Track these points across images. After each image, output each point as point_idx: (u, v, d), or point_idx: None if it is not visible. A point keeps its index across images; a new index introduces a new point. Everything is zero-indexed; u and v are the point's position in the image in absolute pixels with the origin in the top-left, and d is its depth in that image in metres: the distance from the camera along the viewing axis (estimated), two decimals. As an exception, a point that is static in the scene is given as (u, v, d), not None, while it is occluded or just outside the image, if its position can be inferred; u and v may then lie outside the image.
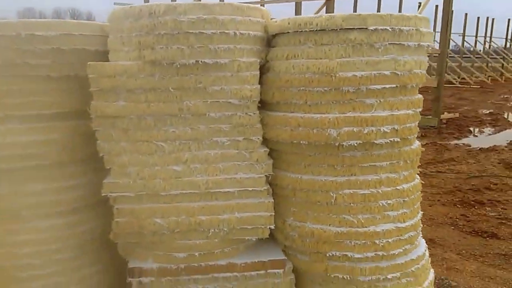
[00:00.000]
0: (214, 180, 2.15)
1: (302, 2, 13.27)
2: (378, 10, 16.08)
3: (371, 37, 2.03)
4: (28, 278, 2.25)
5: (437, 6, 18.65)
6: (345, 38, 2.03)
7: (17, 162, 2.16)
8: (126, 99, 2.07)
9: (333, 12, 10.08)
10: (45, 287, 2.28)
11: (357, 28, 2.02)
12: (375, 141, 2.07)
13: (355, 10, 14.41)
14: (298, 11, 13.43)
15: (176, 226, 2.16)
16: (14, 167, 2.17)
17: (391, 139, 2.10)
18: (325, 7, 11.10)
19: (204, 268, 2.21)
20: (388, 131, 2.08)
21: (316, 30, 2.05)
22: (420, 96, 2.25)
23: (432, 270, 2.47)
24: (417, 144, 2.29)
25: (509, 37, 31.09)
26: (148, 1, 14.11)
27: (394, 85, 2.08)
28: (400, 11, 18.52)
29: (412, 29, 2.07)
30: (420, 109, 2.23)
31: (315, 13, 10.56)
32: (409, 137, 2.18)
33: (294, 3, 13.34)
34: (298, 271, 2.32)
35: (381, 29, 2.02)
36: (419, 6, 16.34)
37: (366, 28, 2.01)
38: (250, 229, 2.20)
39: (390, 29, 2.03)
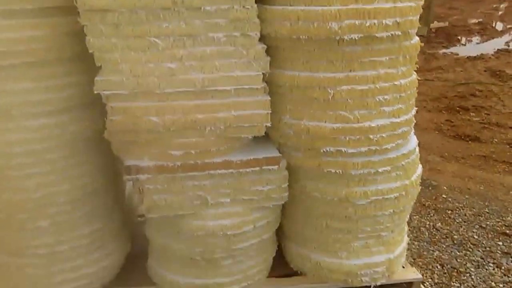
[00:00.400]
0: (210, 78, 2.09)
1: None
2: None
3: None
4: (22, 177, 2.24)
5: None
6: None
7: (2, 59, 2.06)
8: (116, -9, 1.93)
9: None
10: (39, 185, 2.28)
11: None
12: (377, 35, 2.00)
13: None
14: None
15: (172, 124, 2.13)
16: (-1, 65, 2.07)
17: (393, 33, 2.03)
18: None
19: (201, 166, 2.23)
20: (390, 23, 2.01)
21: None
22: (422, -12, 2.15)
23: (420, 165, 2.54)
24: (416, 39, 2.24)
25: None
26: None
27: (399, -25, 1.98)
28: None
29: None
30: (422, 2, 2.15)
31: None
32: (410, 30, 2.12)
33: None
34: (291, 167, 2.36)
35: None
36: None
37: None
38: (246, 127, 2.19)
39: None
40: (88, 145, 2.39)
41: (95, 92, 2.09)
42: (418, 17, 2.16)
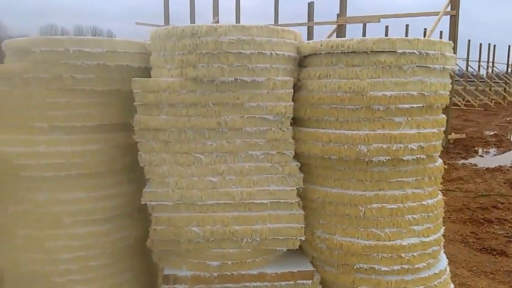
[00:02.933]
0: (248, 191, 2.26)
1: (314, 26, 13.62)
2: (386, 35, 16.47)
3: (400, 60, 2.16)
4: (66, 284, 2.34)
5: (441, 32, 18.93)
6: (375, 60, 2.16)
7: (60, 170, 2.28)
8: (168, 113, 2.19)
9: (344, 36, 10.36)
10: (82, 292, 2.37)
11: (386, 51, 2.15)
12: (403, 158, 2.18)
13: (364, 35, 14.83)
14: (310, 34, 13.73)
15: (211, 235, 2.26)
16: (57, 175, 2.28)
17: (418, 156, 2.21)
18: (335, 32, 11.39)
19: (236, 277, 2.30)
20: (415, 148, 2.19)
21: (348, 52, 2.18)
22: (444, 116, 2.37)
23: (452, 285, 2.55)
24: (440, 161, 2.40)
25: (510, 62, 31.88)
26: (168, 21, 14.50)
27: (421, 105, 2.20)
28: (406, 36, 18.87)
29: (438, 53, 2.20)
30: (444, 128, 2.35)
31: (327, 37, 10.82)
32: (433, 154, 2.29)
33: (306, 27, 13.71)
34: (325, 282, 2.40)
35: (409, 52, 2.16)
36: (424, 33, 16.57)
37: (395, 51, 2.15)
38: (281, 240, 2.30)
39: (417, 53, 2.16)
40: (130, 253, 2.51)
41: (143, 202, 2.26)
42: (441, 142, 2.34)
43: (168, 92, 2.17)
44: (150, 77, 2.34)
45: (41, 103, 2.24)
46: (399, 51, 2.14)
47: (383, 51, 2.15)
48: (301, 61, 2.40)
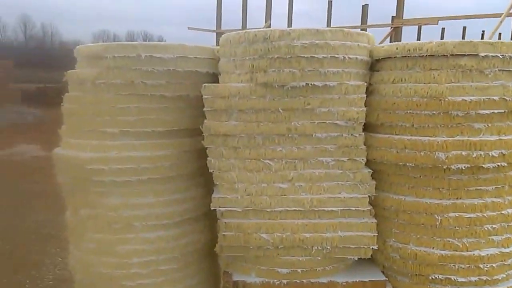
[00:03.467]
0: (318, 199, 2.22)
1: (367, 29, 13.38)
2: (442, 38, 16.05)
3: (481, 64, 2.06)
4: (136, 287, 2.37)
5: (500, 34, 18.26)
6: (455, 64, 2.07)
7: (131, 175, 2.30)
8: (238, 119, 2.17)
9: (400, 40, 10.18)
10: (152, 296, 2.40)
11: (467, 55, 2.05)
12: (483, 165, 2.08)
13: (418, 38, 14.48)
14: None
15: (280, 242, 2.23)
16: (128, 180, 2.30)
17: (498, 164, 2.10)
18: (390, 35, 11.16)
19: (306, 285, 2.26)
20: (496, 155, 2.09)
21: (426, 55, 2.09)
22: (526, 121, 2.25)
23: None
24: (522, 169, 2.29)
25: None
26: (220, 26, 14.61)
27: (502, 110, 2.09)
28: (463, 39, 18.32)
29: (521, 56, 2.09)
30: (526, 137, 2.23)
31: (381, 40, 10.58)
32: (514, 162, 2.18)
33: (359, 30, 13.47)
34: (396, 292, 2.34)
35: (491, 55, 2.05)
36: (482, 35, 16.05)
37: (477, 55, 2.05)
38: (352, 248, 2.24)
39: (500, 56, 2.06)
40: (198, 258, 2.52)
41: (212, 208, 2.25)
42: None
43: (237, 98, 2.15)
44: (218, 82, 2.33)
45: (112, 109, 2.26)
46: (481, 54, 2.04)
47: (464, 55, 2.05)
48: (373, 64, 2.32)
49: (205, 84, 2.18)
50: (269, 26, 15.05)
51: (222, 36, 2.28)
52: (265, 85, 2.13)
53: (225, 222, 2.25)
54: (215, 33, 15.11)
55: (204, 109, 2.20)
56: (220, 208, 2.25)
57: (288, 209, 2.23)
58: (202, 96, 2.26)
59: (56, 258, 5.32)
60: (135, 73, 2.23)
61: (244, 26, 14.65)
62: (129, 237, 2.35)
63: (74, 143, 2.32)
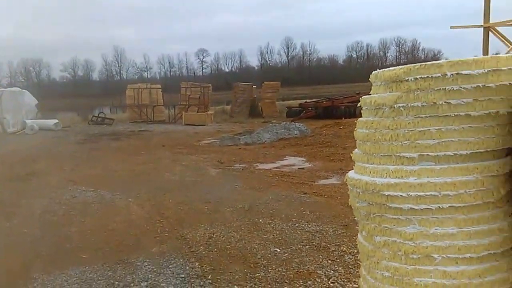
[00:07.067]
0: None
1: None
2: None
3: None
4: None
5: None
6: None
7: (430, 202, 2.13)
8: None
9: None
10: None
11: None
12: None
13: None
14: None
15: None
16: (427, 208, 2.14)
17: None
18: None
19: None
20: None
21: None
22: None
23: None
24: None
25: None
26: (488, 19, 13.45)
27: None
28: None
29: None
30: None
31: None
32: None
33: None
34: None
35: None
36: None
37: None
38: None
39: None
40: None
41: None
42: None
43: None
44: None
45: (411, 132, 2.14)
46: None
47: None
48: None
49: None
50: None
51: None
52: None
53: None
54: (481, 29, 13.61)
55: (524, 126, 1.87)
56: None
57: None
58: (513, 112, 1.94)
59: (329, 270, 5.52)
60: (438, 94, 2.06)
61: (517, 14, 12.73)
62: (428, 269, 2.18)
63: (371, 168, 2.30)
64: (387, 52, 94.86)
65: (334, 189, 9.52)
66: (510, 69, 1.98)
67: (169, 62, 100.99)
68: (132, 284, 5.25)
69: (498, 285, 2.18)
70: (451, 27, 13.73)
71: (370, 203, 2.31)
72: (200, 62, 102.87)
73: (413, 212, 2.18)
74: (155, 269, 5.65)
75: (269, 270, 5.56)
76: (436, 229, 2.16)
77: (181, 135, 23.16)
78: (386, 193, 2.20)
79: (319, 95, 40.10)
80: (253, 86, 34.48)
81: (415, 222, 2.19)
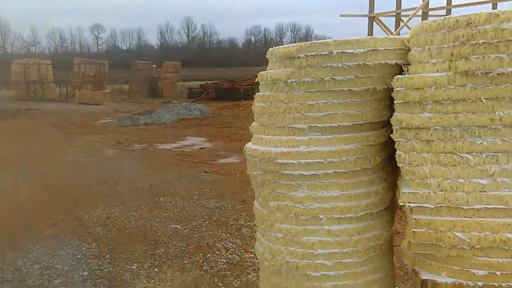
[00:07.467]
0: (523, 196, 2.00)
1: None
2: None
3: None
4: (320, 278, 2.43)
5: None
6: None
7: (317, 169, 2.36)
8: (432, 111, 2.07)
9: None
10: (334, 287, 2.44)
11: None
12: None
13: None
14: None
15: (478, 242, 2.07)
16: (314, 174, 2.36)
17: None
18: None
19: (506, 289, 2.08)
20: None
21: None
22: None
23: None
24: None
25: None
26: (372, 9, 14.44)
27: None
28: None
29: None
30: None
31: None
32: None
33: None
34: None
35: None
36: None
37: None
38: None
39: None
40: (380, 253, 2.49)
41: (400, 204, 2.20)
42: None
43: (433, 88, 2.04)
44: (402, 73, 2.25)
45: (302, 106, 2.34)
46: None
47: None
48: None
49: (397, 76, 2.13)
50: (427, 4, 14.08)
51: (416, 24, 2.20)
52: (466, 73, 1.99)
53: (415, 219, 2.17)
54: (367, 18, 14.79)
55: (396, 101, 2.14)
56: (409, 204, 2.18)
57: (488, 206, 2.06)
58: (388, 88, 2.21)
59: (227, 242, 5.78)
60: (325, 70, 2.28)
61: (399, 6, 14.00)
62: (315, 229, 2.42)
63: (267, 138, 2.47)
64: (283, 37, 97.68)
65: (233, 167, 9.80)
66: (386, 49, 2.25)
67: (60, 37, 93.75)
68: (23, 268, 5.00)
69: (374, 241, 2.49)
70: (341, 15, 14.70)
71: (266, 171, 2.49)
72: (95, 38, 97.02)
73: (302, 178, 2.39)
74: (48, 252, 5.43)
75: (170, 246, 5.65)
76: (322, 193, 2.40)
77: (74, 114, 21.96)
78: (280, 161, 2.39)
79: (219, 77, 40.34)
80: (153, 66, 33.57)
81: (304, 187, 2.41)
